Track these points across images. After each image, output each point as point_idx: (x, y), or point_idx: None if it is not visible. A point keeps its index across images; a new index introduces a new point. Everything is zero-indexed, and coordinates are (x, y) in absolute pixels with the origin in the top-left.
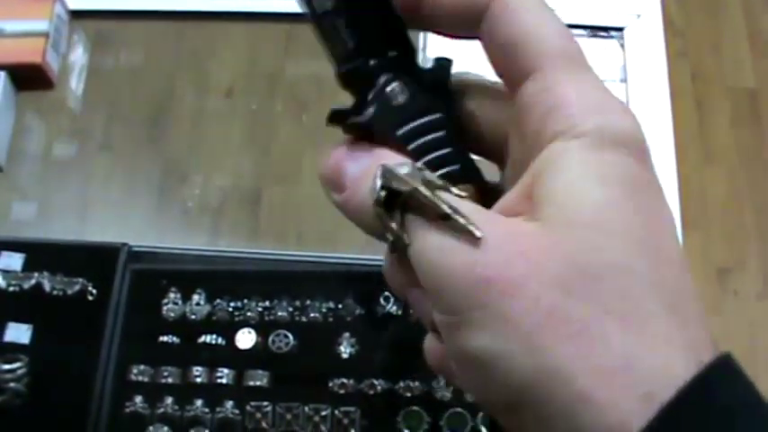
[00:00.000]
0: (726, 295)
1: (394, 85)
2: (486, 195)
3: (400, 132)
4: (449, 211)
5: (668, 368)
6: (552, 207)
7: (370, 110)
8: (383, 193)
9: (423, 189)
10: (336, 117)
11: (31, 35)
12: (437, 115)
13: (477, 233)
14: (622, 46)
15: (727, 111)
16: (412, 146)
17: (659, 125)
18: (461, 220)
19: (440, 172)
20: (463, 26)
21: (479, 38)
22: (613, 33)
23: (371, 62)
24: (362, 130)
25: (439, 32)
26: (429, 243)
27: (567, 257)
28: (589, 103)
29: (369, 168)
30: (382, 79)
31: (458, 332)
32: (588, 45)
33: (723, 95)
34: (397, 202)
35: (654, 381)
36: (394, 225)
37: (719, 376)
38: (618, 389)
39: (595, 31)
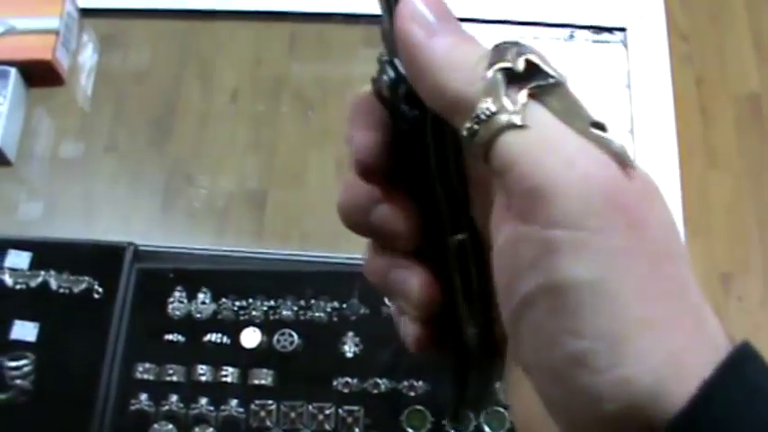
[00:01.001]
0: (729, 300)
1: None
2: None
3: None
4: (605, 123)
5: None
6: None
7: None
8: (522, 66)
9: (573, 90)
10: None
11: (41, 32)
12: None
13: (630, 161)
14: (625, 46)
15: (731, 116)
16: None
17: (663, 128)
18: (617, 142)
19: None
20: None
21: None
22: (616, 33)
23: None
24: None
25: None
26: (565, 139)
27: (666, 214)
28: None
29: (474, 38)
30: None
31: (563, 254)
32: (592, 48)
33: (727, 100)
34: (520, 81)
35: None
36: (508, 98)
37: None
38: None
39: (598, 31)
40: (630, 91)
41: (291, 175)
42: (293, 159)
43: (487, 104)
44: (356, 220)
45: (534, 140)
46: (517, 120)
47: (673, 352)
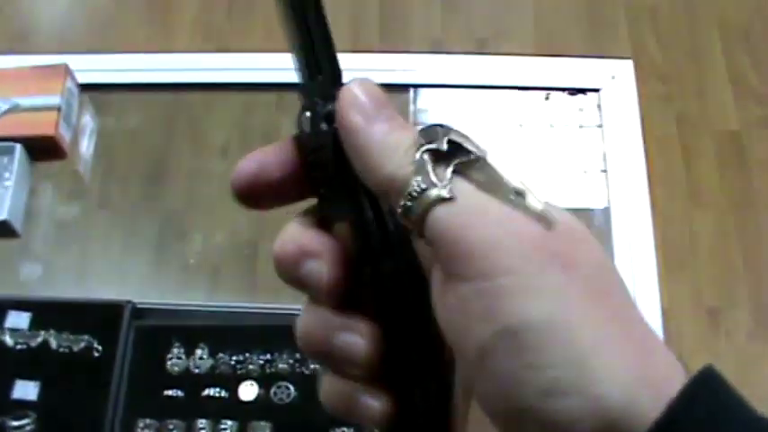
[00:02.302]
0: (718, 335)
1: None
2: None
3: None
4: (524, 188)
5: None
6: (564, 215)
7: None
8: (446, 146)
9: (493, 162)
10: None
11: (44, 109)
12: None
13: (553, 219)
14: (599, 107)
15: (712, 153)
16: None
17: (635, 178)
18: (538, 203)
19: None
20: None
21: None
22: (590, 95)
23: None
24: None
25: None
26: (490, 206)
27: (600, 254)
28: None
29: (405, 122)
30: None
31: (510, 299)
32: (568, 103)
33: (708, 138)
34: (445, 160)
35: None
36: (435, 176)
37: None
38: (645, 373)
39: (574, 93)
40: (603, 142)
41: (282, 226)
42: (283, 213)
43: (418, 182)
44: (316, 349)
45: (462, 210)
46: (445, 193)
47: (635, 368)
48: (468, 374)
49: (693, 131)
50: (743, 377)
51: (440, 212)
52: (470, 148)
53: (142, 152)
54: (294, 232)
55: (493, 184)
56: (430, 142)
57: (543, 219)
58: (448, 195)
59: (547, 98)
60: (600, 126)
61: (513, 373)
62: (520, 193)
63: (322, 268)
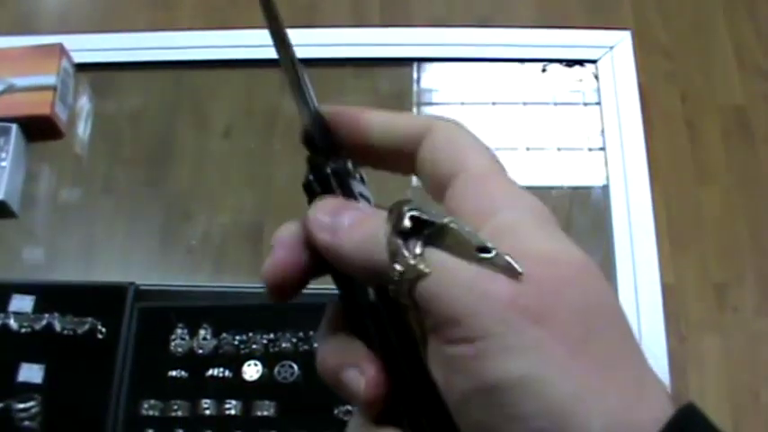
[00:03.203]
0: (724, 311)
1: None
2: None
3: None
4: (490, 245)
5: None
6: (542, 261)
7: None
8: (409, 224)
9: (455, 224)
10: (307, 139)
11: (39, 89)
12: None
13: (519, 269)
14: (597, 77)
15: (717, 129)
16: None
17: (633, 151)
18: (504, 256)
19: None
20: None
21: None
22: (588, 66)
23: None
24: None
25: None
26: (461, 272)
27: (583, 296)
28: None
29: (369, 213)
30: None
31: (487, 360)
32: (565, 75)
33: (713, 114)
34: (414, 236)
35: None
36: (409, 255)
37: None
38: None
39: (570, 64)
40: (601, 113)
41: (286, 208)
42: (287, 194)
43: (396, 267)
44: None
45: (438, 281)
46: (421, 269)
47: (615, 413)
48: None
49: (698, 107)
50: (749, 352)
51: (421, 289)
52: (431, 219)
53: (144, 134)
54: (330, 343)
55: (460, 247)
56: (396, 223)
57: (510, 270)
58: (423, 271)
59: (544, 70)
60: (598, 103)
61: (495, 425)
62: (485, 250)
63: (358, 379)
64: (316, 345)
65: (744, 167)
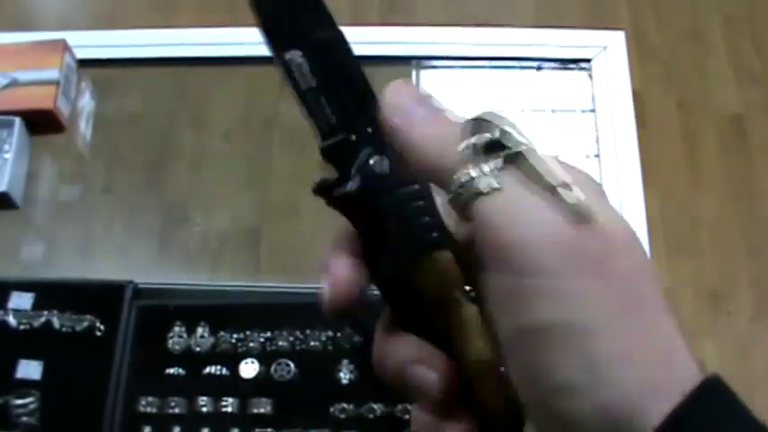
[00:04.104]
0: (719, 317)
1: (376, 158)
2: (461, 262)
3: (386, 201)
4: (570, 181)
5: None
6: (608, 220)
7: (356, 180)
8: (497, 135)
9: (539, 153)
10: (322, 188)
11: (43, 83)
12: (417, 186)
13: (593, 216)
14: (591, 77)
15: (713, 136)
16: (396, 214)
17: (626, 150)
18: (581, 198)
19: (434, 234)
20: None
21: None
22: (582, 65)
23: (352, 137)
24: (349, 199)
25: None
26: (532, 199)
27: (637, 263)
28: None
29: (448, 114)
30: (364, 152)
31: (534, 301)
32: (558, 77)
33: (709, 122)
34: (492, 152)
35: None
36: (483, 166)
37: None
38: (662, 385)
39: (565, 63)
40: (595, 115)
41: (284, 210)
42: (285, 197)
43: (467, 171)
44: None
45: (506, 202)
46: (489, 185)
47: (644, 380)
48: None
49: (694, 114)
50: (744, 359)
51: (485, 203)
52: (520, 138)
53: (144, 134)
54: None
55: (538, 177)
56: (478, 133)
57: (581, 215)
58: (492, 188)
59: (539, 68)
60: (593, 111)
61: (532, 367)
62: (564, 187)
63: (427, 374)
64: (311, 343)
65: (739, 174)
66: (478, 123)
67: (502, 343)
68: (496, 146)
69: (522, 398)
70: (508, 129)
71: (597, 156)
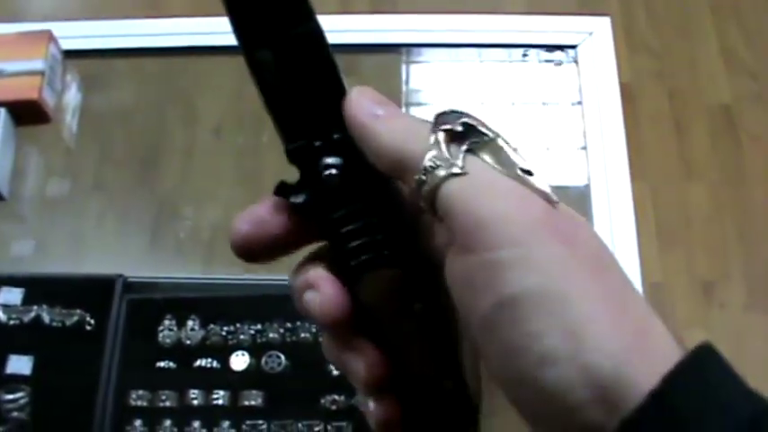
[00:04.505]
0: (712, 308)
1: (331, 171)
2: (411, 279)
3: (334, 216)
4: (532, 169)
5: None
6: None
7: (303, 195)
8: (460, 128)
9: (503, 141)
10: (281, 191)
11: (28, 74)
12: (371, 201)
13: (555, 198)
14: (576, 62)
15: (704, 127)
16: (344, 229)
17: (613, 142)
18: (545, 183)
19: (366, 256)
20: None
21: None
22: (568, 51)
23: (316, 143)
24: (297, 209)
25: None
26: (499, 180)
27: (598, 240)
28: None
29: (411, 114)
30: (322, 162)
31: (510, 271)
32: (546, 70)
33: (700, 112)
34: (458, 140)
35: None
36: (449, 153)
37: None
38: (641, 356)
39: (551, 50)
40: (582, 106)
41: None
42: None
43: (432, 157)
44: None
45: (472, 184)
46: (457, 168)
47: (628, 342)
48: (476, 345)
49: (685, 106)
50: (737, 349)
51: (451, 186)
52: (483, 130)
53: (133, 127)
54: (306, 267)
55: (503, 163)
56: (444, 124)
57: (548, 197)
58: (460, 170)
59: (525, 55)
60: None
61: (512, 342)
62: (527, 172)
63: (319, 300)
64: (301, 335)
65: (730, 165)
66: (444, 116)
67: (476, 330)
68: (462, 136)
69: (503, 380)
70: (472, 122)
71: (584, 148)
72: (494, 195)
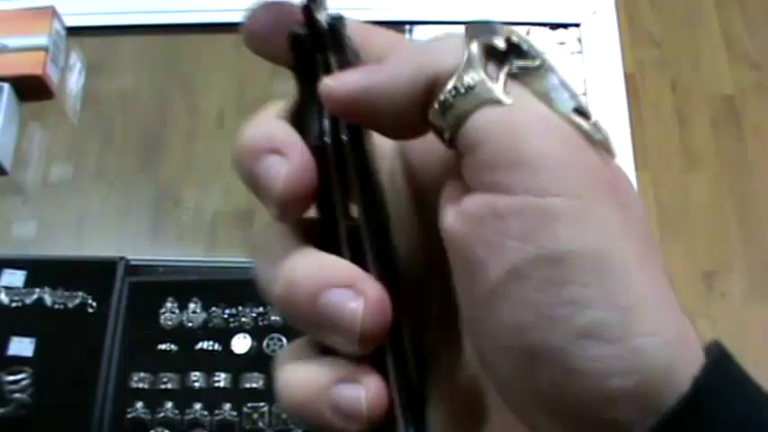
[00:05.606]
0: (713, 298)
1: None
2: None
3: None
4: (587, 109)
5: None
6: None
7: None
8: (503, 45)
9: (556, 70)
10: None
11: (31, 49)
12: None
13: (615, 150)
14: (579, 41)
15: (706, 117)
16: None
17: (617, 130)
18: (600, 131)
19: None
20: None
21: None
22: (571, 29)
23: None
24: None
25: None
26: (551, 119)
27: (642, 209)
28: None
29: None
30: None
31: (562, 223)
32: (547, 42)
33: (702, 103)
34: (500, 61)
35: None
36: (484, 71)
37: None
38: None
39: (553, 27)
40: (585, 87)
41: None
42: None
43: (468, 77)
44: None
45: (516, 117)
46: (499, 94)
47: (680, 328)
48: (469, 307)
49: (688, 96)
50: (738, 340)
51: (490, 114)
52: (532, 52)
53: (136, 110)
54: (267, 122)
55: (554, 99)
56: (484, 37)
57: (607, 147)
58: (503, 97)
59: (527, 33)
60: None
61: (545, 308)
62: (582, 113)
63: (282, 168)
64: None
65: (732, 155)
66: (479, 27)
67: (485, 293)
68: (505, 55)
69: (509, 353)
70: (516, 39)
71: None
72: (546, 134)
